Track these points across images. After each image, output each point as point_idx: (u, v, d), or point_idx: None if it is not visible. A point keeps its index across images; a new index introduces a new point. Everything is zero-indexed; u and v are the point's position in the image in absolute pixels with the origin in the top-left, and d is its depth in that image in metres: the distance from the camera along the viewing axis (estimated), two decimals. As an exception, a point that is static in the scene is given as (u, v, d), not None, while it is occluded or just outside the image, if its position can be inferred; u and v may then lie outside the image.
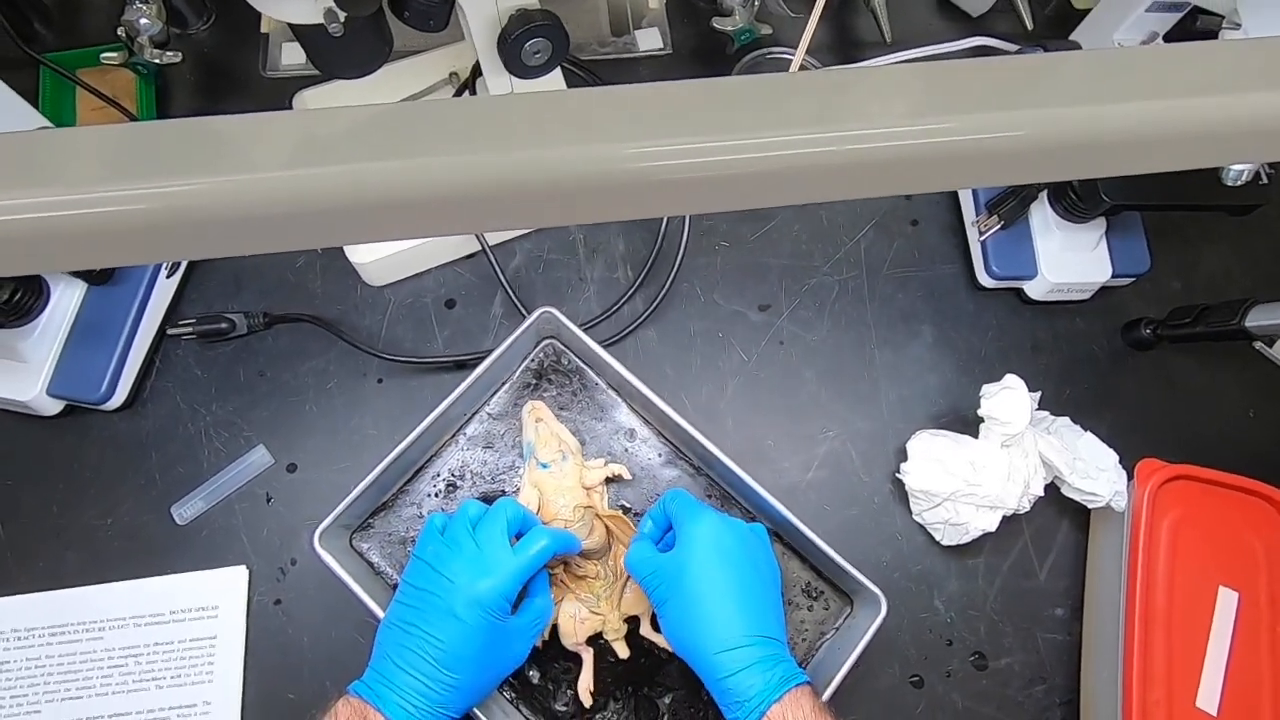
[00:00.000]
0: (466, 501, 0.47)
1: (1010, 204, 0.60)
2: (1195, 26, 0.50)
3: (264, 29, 0.70)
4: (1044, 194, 0.61)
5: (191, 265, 0.61)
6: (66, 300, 0.54)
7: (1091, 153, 0.25)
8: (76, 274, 0.53)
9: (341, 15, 0.40)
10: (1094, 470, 0.55)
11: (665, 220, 0.62)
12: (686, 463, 0.55)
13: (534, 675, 0.52)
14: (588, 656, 0.50)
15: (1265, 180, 0.50)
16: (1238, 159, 0.28)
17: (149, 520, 0.55)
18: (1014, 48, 0.68)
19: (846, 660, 0.47)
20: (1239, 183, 0.45)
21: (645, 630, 0.51)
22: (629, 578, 0.50)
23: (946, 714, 0.54)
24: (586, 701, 0.49)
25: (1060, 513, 0.59)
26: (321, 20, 0.41)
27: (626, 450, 0.56)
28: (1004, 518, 0.56)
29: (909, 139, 0.23)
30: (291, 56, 0.68)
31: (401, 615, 0.43)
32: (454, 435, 0.55)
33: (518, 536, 0.46)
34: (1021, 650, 0.56)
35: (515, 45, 0.49)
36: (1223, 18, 0.44)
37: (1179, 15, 0.52)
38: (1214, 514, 0.52)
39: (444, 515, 0.47)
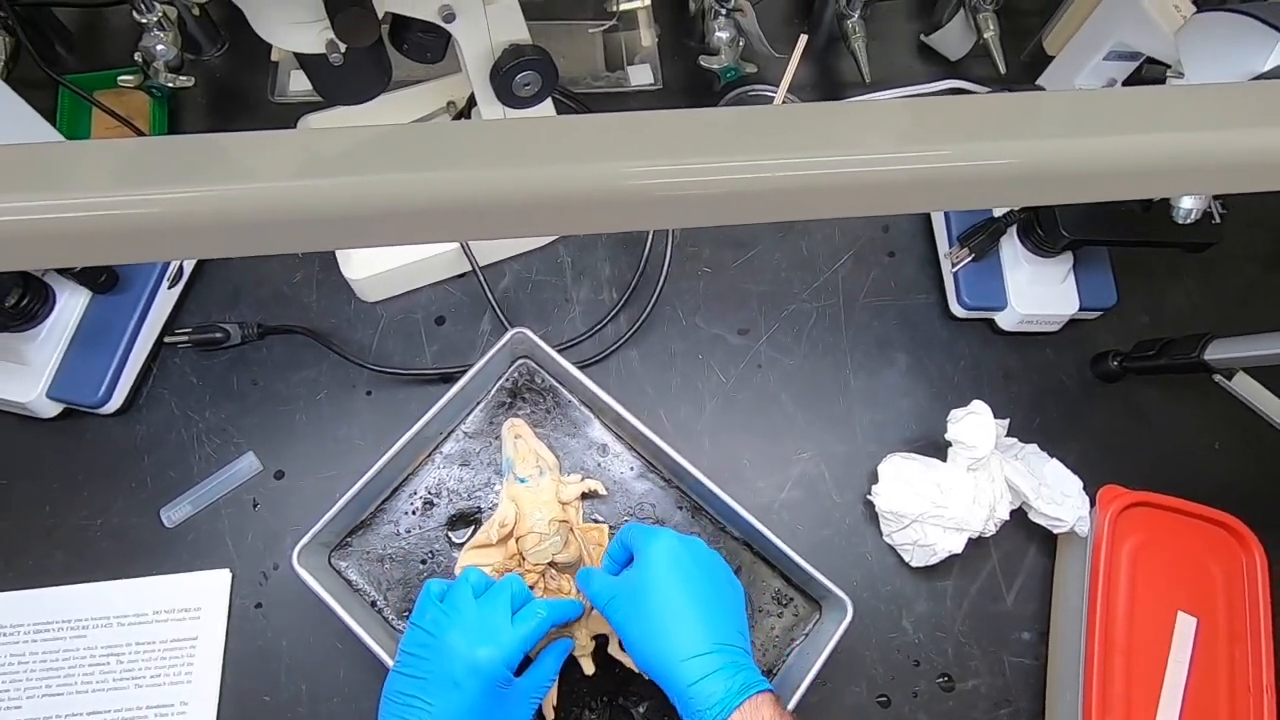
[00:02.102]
0: (468, 569, 0.47)
1: (980, 238, 0.63)
2: (1142, 74, 0.53)
3: (274, 57, 0.73)
4: (1013, 229, 0.63)
5: (193, 277, 0.63)
6: (71, 307, 0.57)
7: (1046, 182, 0.27)
8: (81, 282, 0.56)
9: (342, 46, 0.43)
10: (1059, 496, 0.56)
11: (649, 245, 0.65)
12: (658, 476, 0.57)
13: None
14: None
15: (1218, 219, 0.53)
16: (1173, 191, 0.30)
17: (138, 522, 0.56)
18: (985, 90, 0.71)
19: (815, 664, 0.49)
20: (1189, 220, 0.47)
21: (613, 650, 0.52)
22: None
23: (913, 735, 0.55)
24: (550, 717, 0.50)
25: (1028, 538, 0.60)
26: (323, 50, 0.44)
27: (599, 465, 0.57)
28: (972, 541, 0.57)
29: (888, 165, 0.25)
30: (299, 83, 0.72)
31: (401, 687, 0.42)
32: (430, 454, 0.57)
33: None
34: (988, 673, 0.57)
35: (507, 77, 0.52)
36: (1169, 66, 0.47)
37: (1135, 64, 0.55)
38: (1174, 541, 0.54)
39: (441, 581, 0.47)
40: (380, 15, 0.46)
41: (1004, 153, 0.26)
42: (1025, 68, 0.75)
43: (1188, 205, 0.47)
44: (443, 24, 0.48)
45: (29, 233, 0.22)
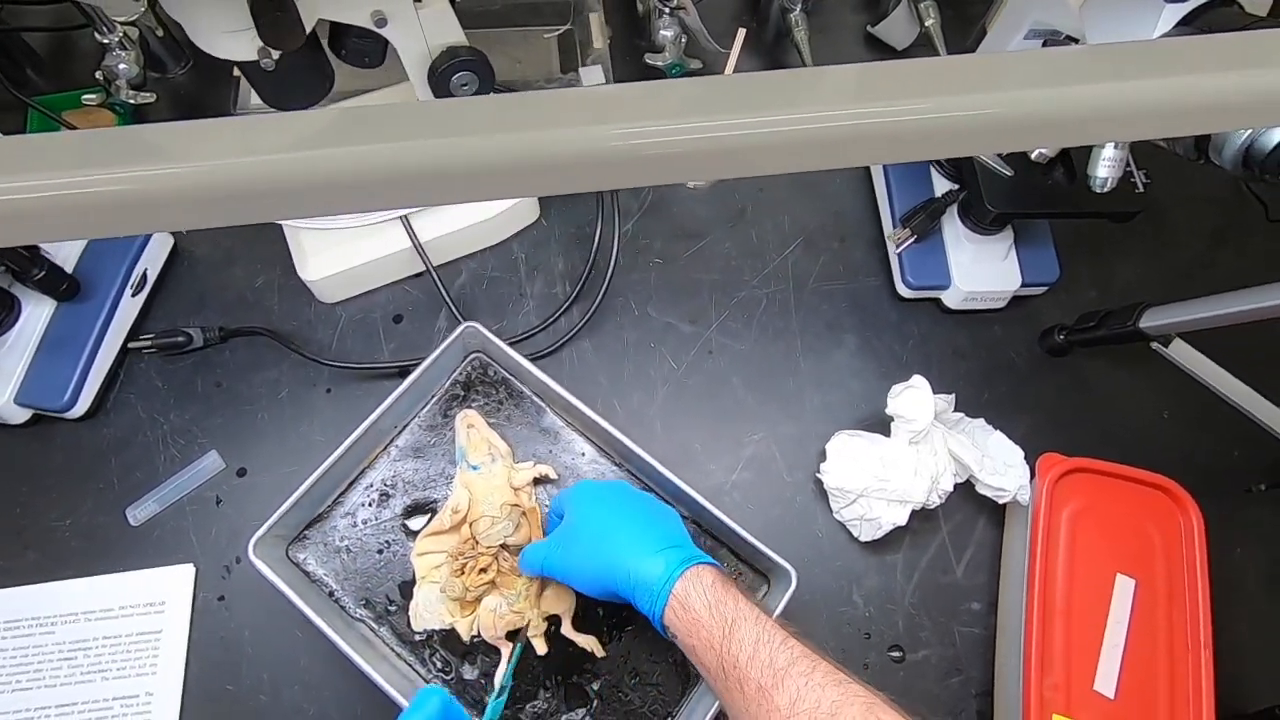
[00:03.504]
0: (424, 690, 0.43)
1: (920, 217, 0.64)
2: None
3: (235, 72, 0.76)
4: (953, 208, 0.65)
5: (157, 285, 0.65)
6: (36, 316, 0.59)
7: (973, 133, 0.29)
8: (44, 291, 0.58)
9: (273, 52, 0.45)
10: (1002, 466, 0.57)
11: (597, 238, 0.66)
12: (609, 461, 0.58)
13: (469, 672, 0.55)
14: (506, 651, 0.52)
15: (1141, 188, 0.54)
16: (1070, 140, 0.32)
17: (105, 521, 0.58)
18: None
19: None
20: (1105, 189, 0.48)
21: (566, 629, 0.53)
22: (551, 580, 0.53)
23: (864, 705, 0.56)
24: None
25: (978, 510, 0.61)
26: (255, 57, 0.46)
27: (551, 453, 0.59)
28: (923, 515, 0.58)
29: (829, 121, 0.27)
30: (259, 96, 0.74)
31: None
32: (386, 447, 0.58)
33: None
34: (939, 644, 0.58)
35: (444, 78, 0.54)
36: (1078, 41, 0.49)
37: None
38: (1113, 505, 0.54)
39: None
40: (313, 22, 0.48)
41: (931, 108, 0.28)
42: (968, 53, 0.77)
43: (1102, 174, 0.48)
44: (376, 29, 0.50)
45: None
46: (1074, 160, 0.56)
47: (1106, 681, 0.49)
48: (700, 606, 0.40)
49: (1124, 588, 0.52)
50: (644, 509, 0.47)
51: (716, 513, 0.54)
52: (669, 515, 0.47)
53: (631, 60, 0.78)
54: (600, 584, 0.44)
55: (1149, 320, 0.57)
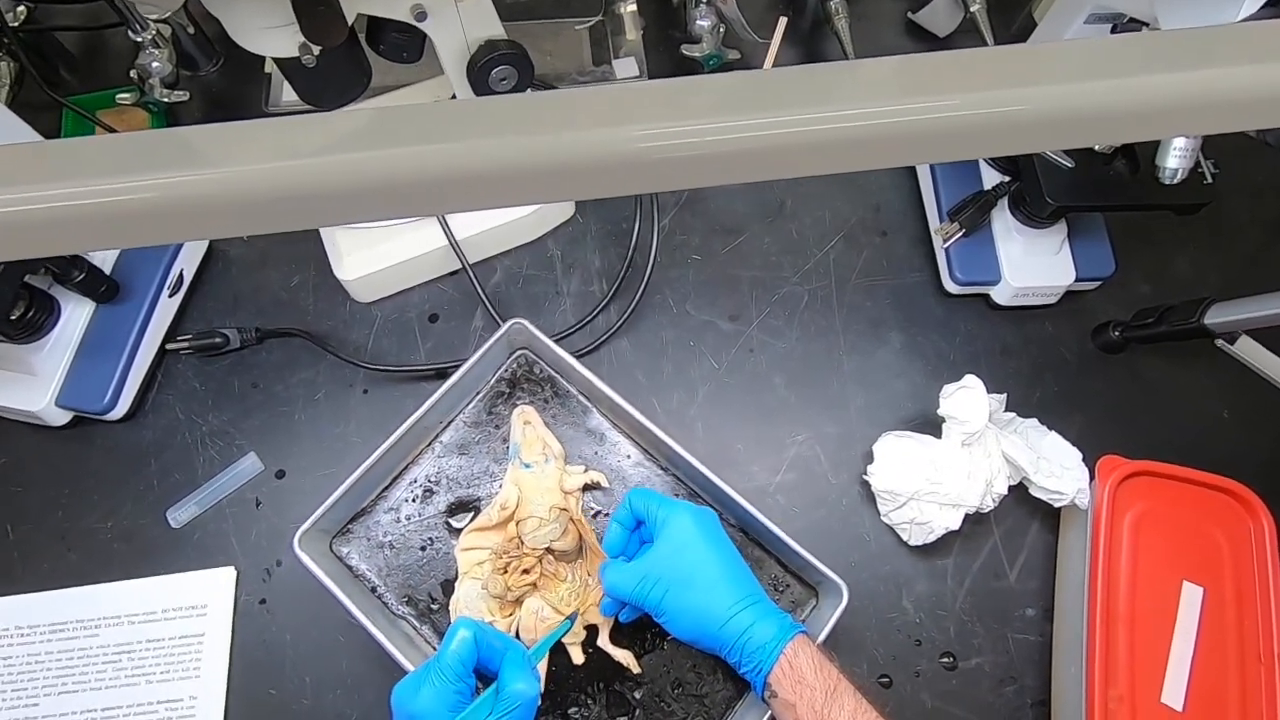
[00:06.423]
0: (460, 621, 0.44)
1: (969, 211, 0.62)
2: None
3: (267, 69, 0.75)
4: (1004, 200, 0.62)
5: (193, 286, 0.65)
6: (76, 318, 0.59)
7: (1035, 128, 0.27)
8: (84, 293, 0.58)
9: (314, 48, 0.44)
10: (1058, 469, 0.55)
11: (635, 235, 0.65)
12: (655, 464, 0.57)
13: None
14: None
15: (1209, 179, 0.52)
16: (1156, 134, 0.30)
17: (146, 524, 0.58)
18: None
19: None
20: (1174, 181, 0.46)
21: (603, 642, 0.52)
22: (595, 587, 0.52)
23: (916, 714, 0.54)
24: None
25: (1031, 513, 0.59)
26: (296, 53, 0.45)
27: (596, 454, 0.58)
28: (974, 518, 0.57)
29: (875, 119, 0.25)
30: (291, 92, 0.73)
31: None
32: (430, 443, 0.58)
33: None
34: (992, 651, 0.56)
35: (483, 72, 0.53)
36: (1146, 25, 0.46)
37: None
38: (1177, 510, 0.52)
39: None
40: (353, 17, 0.47)
41: (985, 102, 0.26)
42: (1015, 40, 0.74)
43: (1172, 165, 0.46)
44: (415, 23, 0.49)
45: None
46: (1137, 150, 0.54)
47: (1174, 694, 0.47)
48: (807, 669, 0.43)
49: (1191, 596, 0.50)
50: (734, 555, 0.47)
51: (766, 522, 0.52)
52: (739, 555, 0.48)
53: (666, 52, 0.77)
54: (703, 631, 0.45)
55: (1214, 316, 0.55)
